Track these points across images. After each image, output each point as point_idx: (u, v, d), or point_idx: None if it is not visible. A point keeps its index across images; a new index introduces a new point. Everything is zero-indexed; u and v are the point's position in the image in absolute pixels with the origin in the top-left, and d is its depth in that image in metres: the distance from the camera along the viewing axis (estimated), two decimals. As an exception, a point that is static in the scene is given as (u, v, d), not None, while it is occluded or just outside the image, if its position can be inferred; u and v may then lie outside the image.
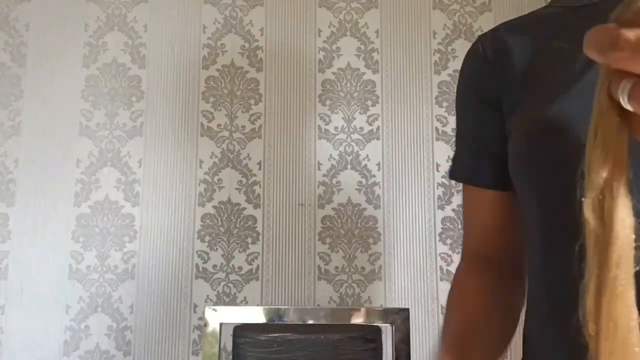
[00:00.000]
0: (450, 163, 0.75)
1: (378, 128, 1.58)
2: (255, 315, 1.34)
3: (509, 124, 0.62)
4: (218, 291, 1.50)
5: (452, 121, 1.58)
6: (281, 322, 1.33)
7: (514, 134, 0.61)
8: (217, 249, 1.52)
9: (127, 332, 1.48)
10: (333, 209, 1.54)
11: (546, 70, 0.59)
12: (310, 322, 1.33)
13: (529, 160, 0.58)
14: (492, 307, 0.64)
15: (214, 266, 1.51)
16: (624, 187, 0.32)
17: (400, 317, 1.30)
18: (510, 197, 0.67)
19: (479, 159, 0.68)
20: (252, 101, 1.59)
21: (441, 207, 1.54)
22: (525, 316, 0.64)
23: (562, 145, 0.53)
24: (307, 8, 1.63)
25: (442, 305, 1.51)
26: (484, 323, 0.62)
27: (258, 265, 1.51)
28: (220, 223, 1.53)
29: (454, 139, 1.57)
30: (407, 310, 1.38)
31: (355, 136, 1.57)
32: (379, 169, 1.56)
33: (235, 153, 1.56)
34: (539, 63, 0.60)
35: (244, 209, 1.54)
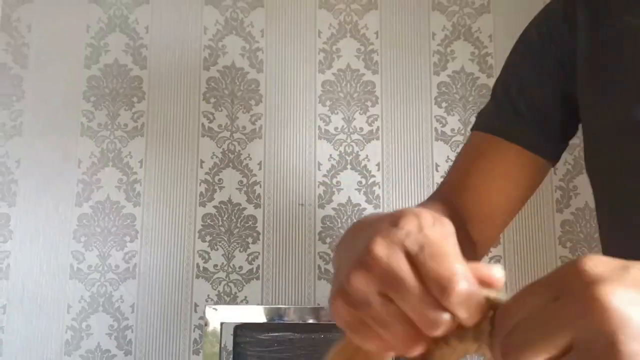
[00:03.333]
0: (476, 118, 0.67)
1: (378, 128, 1.59)
2: (255, 314, 1.34)
3: (586, 113, 0.57)
4: (219, 290, 1.51)
5: (451, 121, 1.58)
6: (281, 322, 1.33)
7: (594, 129, 0.57)
8: (217, 248, 1.53)
9: (128, 332, 1.49)
10: (333, 209, 1.55)
11: (619, 53, 0.54)
12: (311, 321, 1.34)
13: (610, 159, 0.55)
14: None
15: (215, 266, 1.52)
16: None
17: (400, 316, 1.30)
18: (539, 166, 0.61)
19: (526, 115, 0.61)
20: (252, 102, 1.60)
21: (440, 207, 1.55)
22: None
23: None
24: (307, 9, 1.64)
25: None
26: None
27: (258, 265, 1.52)
28: (220, 223, 1.54)
29: (453, 139, 1.58)
30: (407, 309, 1.38)
31: (355, 136, 1.58)
32: (378, 169, 1.57)
33: (235, 153, 1.57)
34: (611, 44, 0.55)
35: (245, 208, 1.54)
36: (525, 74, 0.63)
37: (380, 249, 0.31)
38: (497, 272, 0.31)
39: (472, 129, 0.67)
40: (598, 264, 0.28)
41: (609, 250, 0.58)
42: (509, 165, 0.61)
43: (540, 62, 0.62)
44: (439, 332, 0.30)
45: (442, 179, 1.56)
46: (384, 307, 0.31)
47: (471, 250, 0.60)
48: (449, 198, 0.62)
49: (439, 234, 0.32)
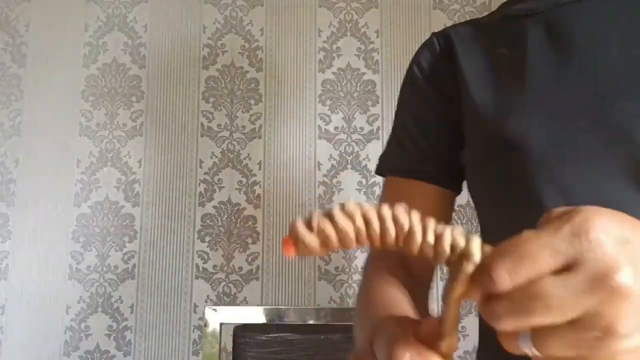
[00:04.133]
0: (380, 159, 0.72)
1: (378, 128, 1.58)
2: (255, 315, 1.34)
3: (466, 134, 0.61)
4: (218, 291, 1.50)
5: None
6: (281, 322, 1.33)
7: (470, 148, 0.61)
8: (217, 249, 1.52)
9: (127, 332, 1.48)
10: (333, 209, 1.54)
11: (494, 79, 0.59)
12: (311, 322, 1.33)
13: (489, 177, 0.58)
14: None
15: (214, 266, 1.51)
16: None
17: (401, 317, 1.30)
18: (449, 197, 0.65)
19: (429, 153, 0.65)
20: (252, 101, 1.59)
21: (441, 207, 1.54)
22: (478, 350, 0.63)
23: (520, 162, 0.53)
24: (307, 8, 1.63)
25: (441, 305, 1.51)
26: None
27: (258, 266, 1.51)
28: (220, 223, 1.53)
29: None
30: (407, 310, 1.38)
31: (355, 136, 1.57)
32: (379, 169, 1.56)
33: (235, 153, 1.56)
34: (488, 71, 0.60)
35: (244, 209, 1.54)
36: (416, 111, 0.68)
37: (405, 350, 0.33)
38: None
39: (380, 173, 0.71)
40: (609, 234, 0.28)
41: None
42: (429, 204, 0.65)
43: (426, 97, 0.66)
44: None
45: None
46: None
47: (424, 292, 0.65)
48: (386, 255, 0.64)
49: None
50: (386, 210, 0.32)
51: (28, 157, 1.55)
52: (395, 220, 0.32)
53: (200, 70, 1.60)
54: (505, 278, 0.28)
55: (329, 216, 0.32)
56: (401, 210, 0.32)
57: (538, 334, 0.29)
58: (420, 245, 0.31)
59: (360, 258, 1.53)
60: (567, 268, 0.28)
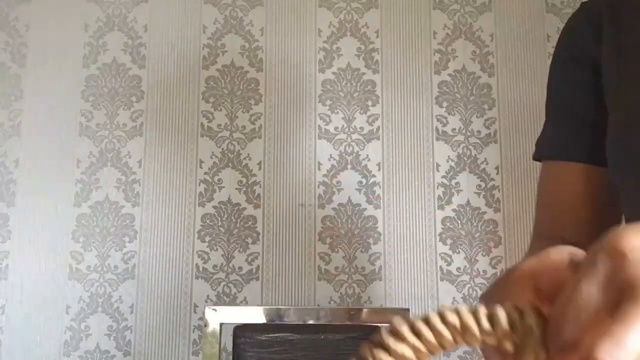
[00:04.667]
0: (537, 144, 0.70)
1: (378, 128, 1.58)
2: (255, 315, 1.34)
3: (613, 99, 0.59)
4: (218, 291, 1.50)
5: (452, 121, 1.57)
6: (281, 322, 1.33)
7: (614, 127, 0.58)
8: (217, 249, 1.52)
9: (127, 332, 1.48)
10: (333, 209, 1.54)
11: (636, 55, 0.57)
12: (311, 322, 1.33)
13: (623, 153, 0.56)
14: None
15: (214, 266, 1.51)
16: None
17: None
18: (603, 175, 0.62)
19: (581, 131, 0.64)
20: (252, 101, 1.59)
21: (441, 207, 1.54)
22: None
23: None
24: (307, 8, 1.63)
25: (442, 305, 1.51)
26: None
27: (258, 265, 1.51)
28: (220, 223, 1.53)
29: (454, 139, 1.57)
30: (407, 310, 1.38)
31: (355, 136, 1.57)
32: (379, 169, 1.56)
33: (235, 153, 1.56)
34: (629, 48, 0.58)
35: (244, 209, 1.54)
36: (569, 92, 0.66)
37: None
38: None
39: (539, 159, 0.69)
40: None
41: None
42: (593, 186, 0.63)
43: (576, 74, 0.65)
44: None
45: (442, 179, 1.56)
46: None
47: None
48: (556, 235, 0.63)
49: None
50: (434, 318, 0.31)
51: (28, 157, 1.55)
52: (446, 322, 0.31)
53: (200, 70, 1.60)
54: (575, 326, 0.28)
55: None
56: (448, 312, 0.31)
57: None
58: (480, 336, 0.30)
59: (360, 258, 1.53)
60: (618, 292, 0.27)
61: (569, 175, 0.64)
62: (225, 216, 1.53)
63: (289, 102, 1.59)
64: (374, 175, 1.55)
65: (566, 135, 0.65)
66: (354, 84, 1.59)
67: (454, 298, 1.51)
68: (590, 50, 0.63)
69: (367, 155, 1.56)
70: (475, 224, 1.52)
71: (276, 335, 1.29)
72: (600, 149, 0.62)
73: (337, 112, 1.58)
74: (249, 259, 1.52)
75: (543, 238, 0.64)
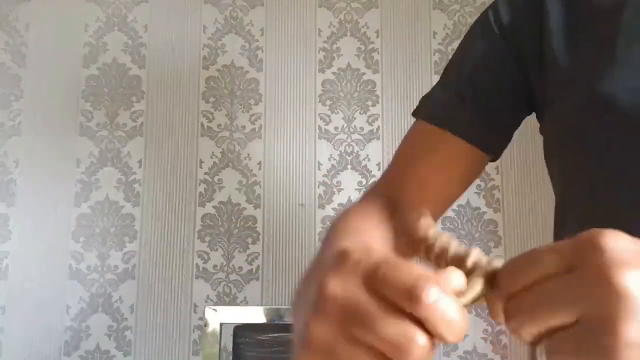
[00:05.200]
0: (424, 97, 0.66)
1: (378, 128, 1.58)
2: (255, 315, 1.34)
3: (550, 97, 0.57)
4: (218, 291, 1.50)
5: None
6: (281, 322, 1.33)
7: (558, 110, 0.56)
8: (217, 249, 1.52)
9: (128, 332, 1.48)
10: (333, 209, 1.54)
11: (586, 33, 0.54)
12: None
13: (580, 137, 0.54)
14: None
15: (214, 266, 1.51)
16: None
17: (401, 317, 1.30)
18: (480, 160, 0.61)
19: (473, 108, 0.59)
20: (252, 101, 1.59)
21: (441, 207, 1.54)
22: None
23: (614, 123, 0.50)
24: (307, 8, 1.63)
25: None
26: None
27: (258, 265, 1.51)
28: (220, 223, 1.53)
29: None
30: (407, 310, 1.37)
31: (355, 136, 1.57)
32: (379, 169, 1.56)
33: (235, 153, 1.56)
34: (580, 25, 0.55)
35: (244, 209, 1.54)
36: (478, 58, 0.62)
37: (332, 286, 0.29)
38: (455, 277, 0.30)
39: (415, 115, 0.65)
40: (617, 243, 0.28)
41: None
42: (453, 159, 0.60)
43: (495, 47, 0.60)
44: (417, 355, 0.27)
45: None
46: (353, 350, 0.28)
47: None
48: (390, 191, 0.60)
49: (388, 255, 0.30)
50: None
51: (28, 157, 1.55)
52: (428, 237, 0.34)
53: (200, 70, 1.60)
54: (514, 279, 0.29)
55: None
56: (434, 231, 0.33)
57: (550, 341, 0.28)
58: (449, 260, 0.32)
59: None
60: (571, 269, 0.28)
61: (446, 147, 0.60)
62: (225, 216, 1.53)
63: (289, 102, 1.59)
64: (374, 175, 1.55)
65: (457, 105, 0.60)
66: (354, 84, 1.59)
67: (454, 298, 1.51)
68: (525, 21, 0.59)
69: (367, 155, 1.56)
70: (475, 224, 1.53)
71: (276, 335, 1.29)
72: (489, 134, 0.59)
73: (337, 112, 1.58)
74: (249, 259, 1.52)
75: (377, 194, 0.60)
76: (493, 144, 0.61)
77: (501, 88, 0.60)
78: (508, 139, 0.64)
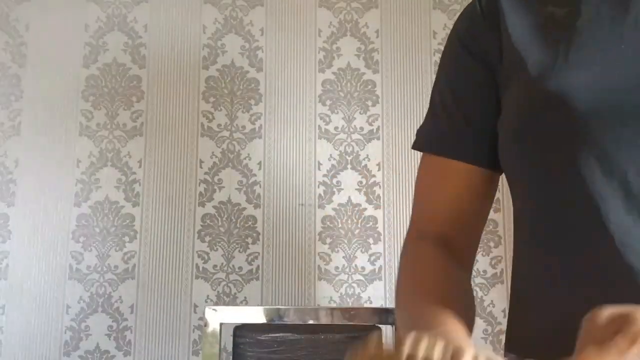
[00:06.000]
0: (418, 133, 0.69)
1: (378, 128, 1.58)
2: (255, 315, 1.34)
3: (504, 98, 0.58)
4: (218, 291, 1.50)
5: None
6: (281, 322, 1.33)
7: (507, 110, 0.58)
8: (217, 249, 1.52)
9: (127, 332, 1.48)
10: (333, 209, 1.54)
11: (542, 37, 0.56)
12: (311, 322, 1.33)
13: (524, 139, 0.55)
14: (453, 285, 0.57)
15: (214, 266, 1.51)
16: None
17: (401, 317, 1.30)
18: (487, 176, 0.62)
19: (463, 127, 0.62)
20: (252, 101, 1.59)
21: (441, 207, 1.54)
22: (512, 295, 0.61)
23: (560, 123, 0.51)
24: (307, 8, 1.63)
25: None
26: (451, 296, 0.55)
27: (258, 265, 1.51)
28: (220, 223, 1.53)
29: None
30: (407, 310, 1.37)
31: (355, 136, 1.57)
32: (379, 169, 1.56)
33: (235, 153, 1.56)
34: (534, 29, 0.57)
35: (244, 209, 1.54)
36: (452, 80, 0.64)
37: None
38: None
39: (414, 148, 0.68)
40: None
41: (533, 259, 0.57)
42: (462, 183, 0.62)
43: (463, 65, 0.63)
44: None
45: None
46: None
47: (467, 282, 0.62)
48: (433, 232, 0.62)
49: None
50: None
51: (28, 157, 1.55)
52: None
53: (200, 70, 1.60)
54: None
55: None
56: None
57: None
58: None
59: (360, 258, 1.53)
60: None
61: (451, 172, 0.62)
62: (225, 216, 1.53)
63: (289, 102, 1.59)
64: (374, 175, 1.55)
65: (452, 131, 0.62)
66: (354, 84, 1.59)
67: (454, 298, 1.51)
68: (484, 34, 0.61)
69: (367, 155, 1.56)
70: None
71: (276, 335, 1.29)
72: (484, 150, 0.61)
73: (337, 112, 1.58)
74: (249, 259, 1.52)
75: (422, 236, 0.63)
76: (491, 159, 0.62)
77: (484, 104, 0.61)
78: None
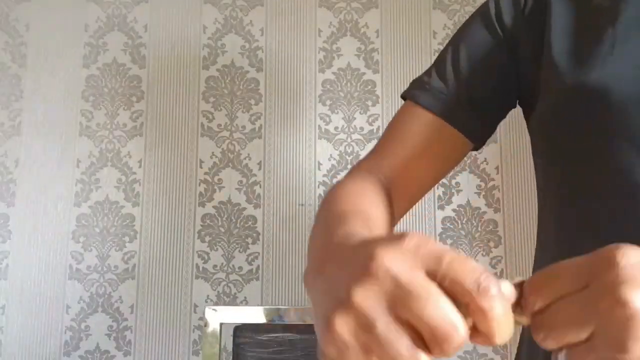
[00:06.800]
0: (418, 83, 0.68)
1: (378, 128, 1.58)
2: (255, 315, 1.34)
3: (544, 86, 0.58)
4: (218, 291, 1.50)
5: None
6: (281, 322, 1.33)
7: (548, 97, 0.57)
8: (217, 249, 1.52)
9: (128, 332, 1.48)
10: (333, 209, 1.54)
11: (586, 29, 0.56)
12: (311, 322, 1.33)
13: (564, 126, 0.55)
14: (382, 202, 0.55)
15: (214, 266, 1.51)
16: None
17: (401, 317, 1.29)
18: (465, 146, 0.63)
19: (464, 96, 0.61)
20: (252, 101, 1.59)
21: (441, 207, 1.54)
22: None
23: (601, 112, 0.51)
24: (307, 8, 1.63)
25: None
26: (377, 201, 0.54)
27: (258, 265, 1.51)
28: (220, 223, 1.53)
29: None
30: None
31: (355, 136, 1.57)
32: (379, 169, 1.56)
33: (235, 153, 1.56)
34: (581, 20, 0.57)
35: (244, 209, 1.54)
36: (472, 47, 0.63)
37: (388, 258, 0.29)
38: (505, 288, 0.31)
39: (404, 96, 0.67)
40: (631, 258, 0.28)
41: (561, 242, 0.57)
42: (441, 145, 0.62)
43: (490, 38, 0.62)
44: (454, 344, 0.28)
45: (443, 179, 1.55)
46: (391, 324, 0.28)
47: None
48: (377, 170, 0.63)
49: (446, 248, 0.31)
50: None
51: (28, 157, 1.55)
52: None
53: (200, 70, 1.60)
54: (536, 296, 0.30)
55: None
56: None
57: (569, 352, 0.30)
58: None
59: (360, 258, 1.52)
60: (587, 286, 0.29)
61: (436, 133, 0.62)
62: (225, 216, 1.53)
63: (289, 102, 1.59)
64: (374, 175, 1.55)
65: (449, 92, 0.62)
66: (354, 84, 1.59)
67: (454, 298, 1.51)
68: (522, 35, 0.60)
69: (367, 155, 1.56)
70: (475, 224, 1.52)
71: (276, 335, 1.29)
72: (477, 124, 0.61)
73: (337, 112, 1.58)
74: (249, 259, 1.52)
75: (371, 172, 0.62)
76: (478, 132, 0.63)
77: (492, 78, 0.62)
78: (492, 129, 0.66)
